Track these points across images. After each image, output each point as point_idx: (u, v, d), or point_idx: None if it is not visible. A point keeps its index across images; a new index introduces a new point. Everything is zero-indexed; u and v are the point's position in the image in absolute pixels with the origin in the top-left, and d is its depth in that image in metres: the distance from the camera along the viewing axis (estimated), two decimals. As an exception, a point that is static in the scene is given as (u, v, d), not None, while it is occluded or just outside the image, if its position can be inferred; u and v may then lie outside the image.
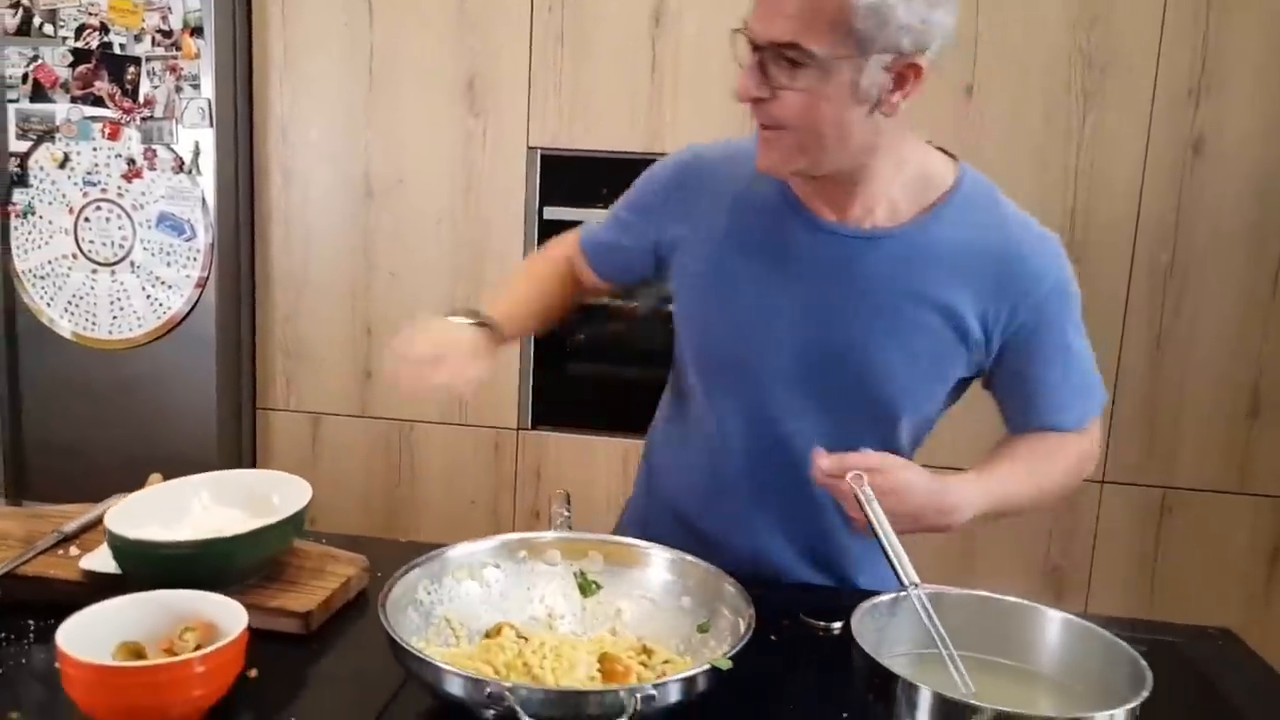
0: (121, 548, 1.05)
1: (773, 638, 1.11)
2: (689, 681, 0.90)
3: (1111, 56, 2.30)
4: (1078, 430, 1.26)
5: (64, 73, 2.52)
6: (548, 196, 2.54)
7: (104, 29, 2.49)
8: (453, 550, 1.10)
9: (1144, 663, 0.90)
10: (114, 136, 2.52)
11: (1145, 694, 0.86)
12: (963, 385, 1.27)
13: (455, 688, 0.88)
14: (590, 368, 2.65)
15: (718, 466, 1.30)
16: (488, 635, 1.05)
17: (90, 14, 2.49)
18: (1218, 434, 2.40)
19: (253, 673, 0.98)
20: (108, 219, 2.55)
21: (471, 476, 2.66)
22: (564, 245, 1.44)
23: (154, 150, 2.51)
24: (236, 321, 2.64)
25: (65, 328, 2.61)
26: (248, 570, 1.11)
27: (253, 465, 2.69)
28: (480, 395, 2.61)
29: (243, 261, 2.64)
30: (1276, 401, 2.37)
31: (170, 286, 2.55)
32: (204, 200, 2.51)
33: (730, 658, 0.92)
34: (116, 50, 2.49)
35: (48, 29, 2.51)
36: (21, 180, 2.57)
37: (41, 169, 2.56)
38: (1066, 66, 2.32)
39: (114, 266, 2.57)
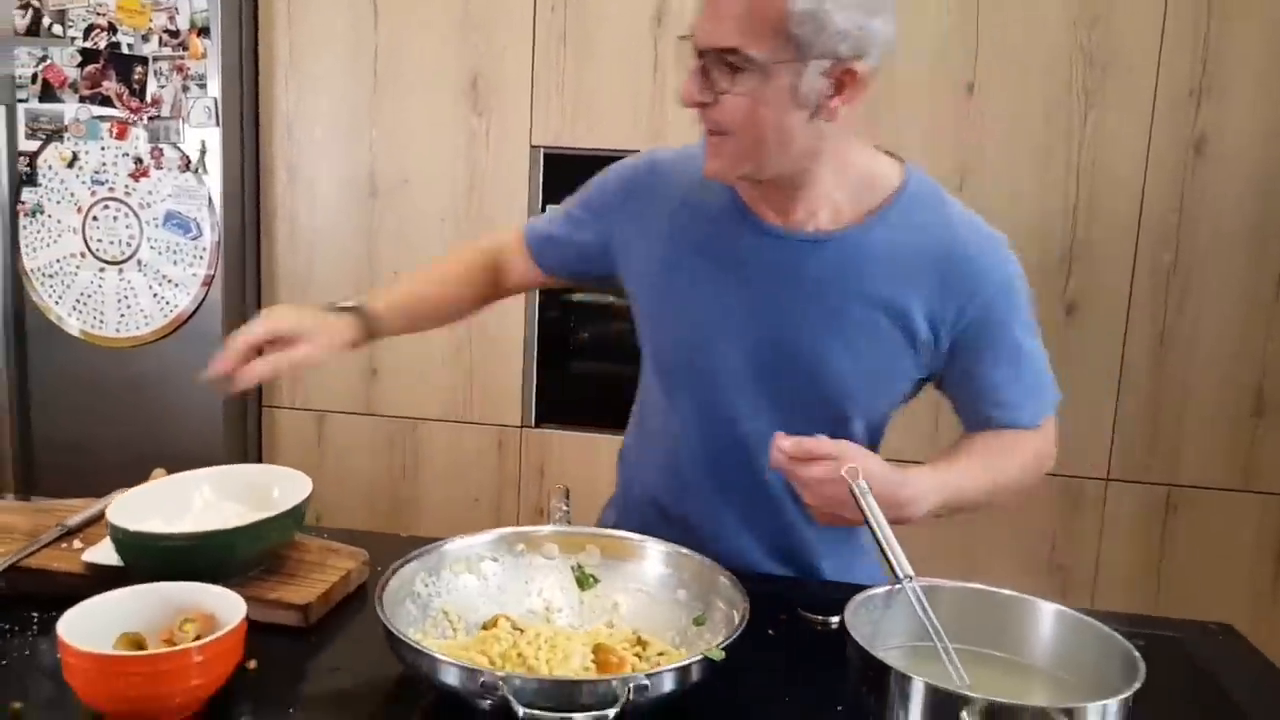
0: (123, 540, 1.06)
1: (770, 632, 1.12)
2: (682, 672, 0.90)
3: (1112, 56, 2.30)
4: (1032, 429, 1.26)
5: (72, 73, 2.54)
6: (551, 195, 2.54)
7: (112, 29, 2.51)
8: (450, 544, 1.11)
9: (1138, 654, 0.90)
10: (121, 136, 2.54)
11: (1138, 685, 0.86)
12: (918, 385, 1.27)
13: (450, 678, 0.88)
14: (593, 366, 2.66)
15: (681, 465, 1.32)
16: (484, 628, 1.05)
17: (98, 14, 2.51)
18: (1222, 432, 2.40)
19: (252, 664, 0.98)
20: (115, 218, 2.57)
21: (475, 474, 2.67)
22: (495, 239, 1.46)
23: (161, 149, 2.53)
24: (243, 319, 2.58)
25: (73, 326, 2.63)
26: (248, 563, 1.12)
27: (259, 462, 2.70)
28: (484, 393, 2.63)
29: (248, 260, 2.66)
30: (1280, 400, 2.37)
31: (177, 285, 2.57)
32: (210, 199, 2.53)
33: (725, 650, 0.92)
34: (124, 50, 2.51)
35: (57, 29, 2.53)
36: (30, 179, 2.59)
37: (50, 168, 2.58)
38: (1068, 66, 2.32)
39: (121, 265, 2.59)
